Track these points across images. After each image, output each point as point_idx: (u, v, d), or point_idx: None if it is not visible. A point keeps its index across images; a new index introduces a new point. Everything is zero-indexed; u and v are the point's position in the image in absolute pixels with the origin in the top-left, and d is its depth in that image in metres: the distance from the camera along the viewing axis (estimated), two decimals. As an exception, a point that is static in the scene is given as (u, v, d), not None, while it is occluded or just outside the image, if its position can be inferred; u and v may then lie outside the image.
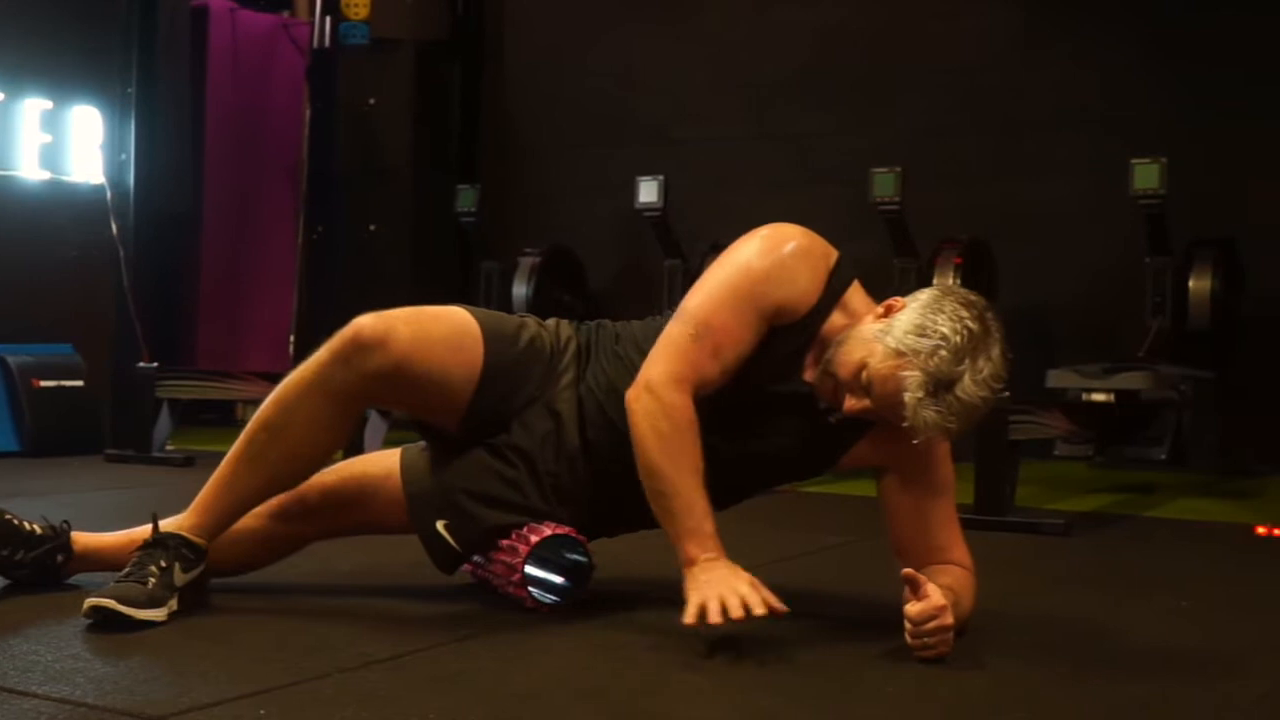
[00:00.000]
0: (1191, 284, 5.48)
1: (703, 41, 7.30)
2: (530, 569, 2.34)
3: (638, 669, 2.04)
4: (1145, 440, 5.17)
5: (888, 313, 2.24)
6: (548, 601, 2.37)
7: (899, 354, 2.15)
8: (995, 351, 2.15)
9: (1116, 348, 5.37)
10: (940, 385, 2.11)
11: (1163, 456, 5.11)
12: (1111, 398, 4.66)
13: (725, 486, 2.31)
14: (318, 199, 7.80)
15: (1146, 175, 5.37)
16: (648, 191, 6.35)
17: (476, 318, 2.41)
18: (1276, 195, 4.28)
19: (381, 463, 2.49)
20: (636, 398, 2.24)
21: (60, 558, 2.40)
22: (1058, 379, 5.14)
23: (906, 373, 2.13)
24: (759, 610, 2.03)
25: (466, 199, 7.03)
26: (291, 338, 7.79)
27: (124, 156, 6.16)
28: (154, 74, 6.39)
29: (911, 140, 6.55)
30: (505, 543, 2.38)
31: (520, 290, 6.63)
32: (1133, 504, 4.80)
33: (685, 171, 6.75)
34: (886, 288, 3.41)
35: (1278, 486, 4.10)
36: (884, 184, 5.80)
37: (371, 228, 7.46)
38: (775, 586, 2.08)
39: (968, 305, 2.17)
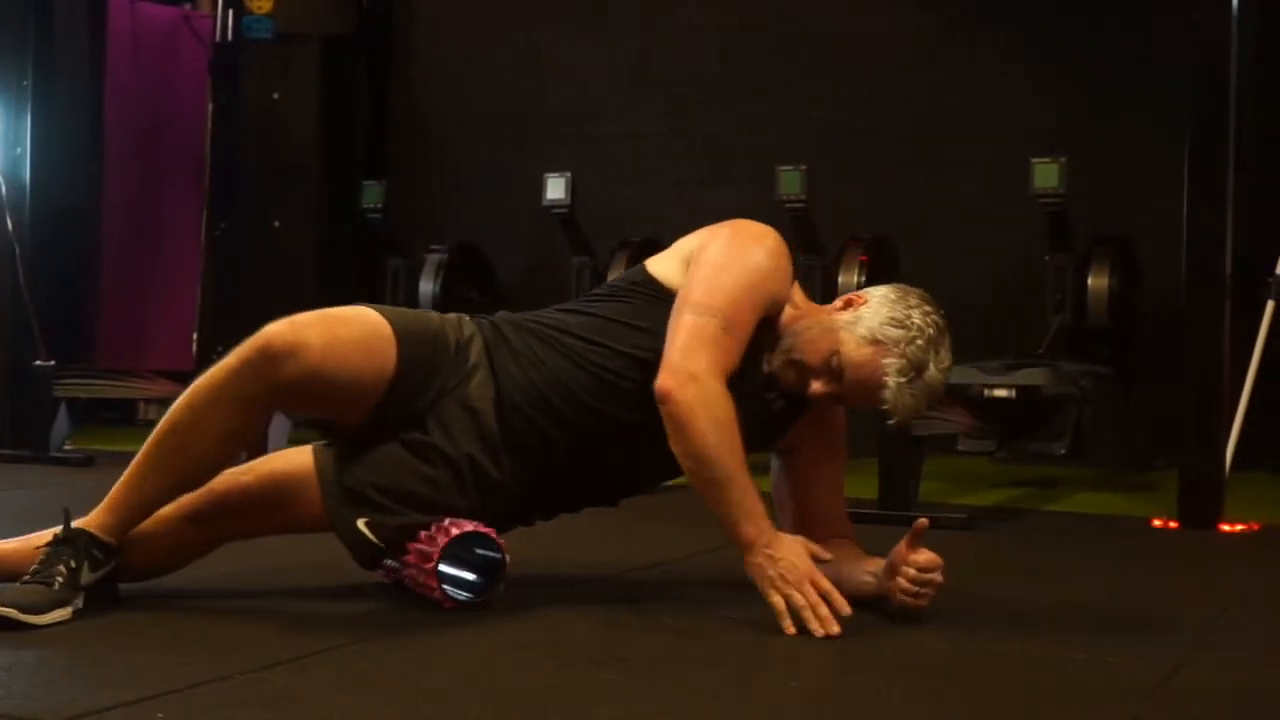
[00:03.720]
0: (1091, 281, 5.57)
1: (613, 38, 7.29)
2: (444, 567, 2.34)
3: (545, 667, 2.03)
4: (1046, 435, 5.24)
5: (847, 306, 2.46)
6: (461, 598, 2.36)
7: (875, 342, 2.38)
8: (948, 343, 2.45)
9: (1018, 344, 5.43)
10: (915, 371, 2.37)
11: (1063, 451, 5.18)
12: (1013, 394, 4.72)
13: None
14: (221, 195, 7.67)
15: (1046, 174, 5.44)
16: (555, 189, 6.32)
17: (386, 316, 2.42)
18: (1173, 194, 4.37)
19: (296, 461, 2.46)
20: (680, 387, 2.31)
21: None
22: (960, 375, 5.16)
23: (887, 359, 2.37)
24: (833, 624, 2.21)
25: (373, 195, 6.96)
26: (195, 335, 7.67)
27: (19, 150, 6.00)
28: (52, 67, 6.24)
29: (819, 139, 6.60)
30: (423, 534, 2.37)
31: (427, 287, 6.57)
32: (1034, 498, 4.89)
33: (594, 169, 6.74)
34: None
35: (1173, 480, 4.19)
36: (790, 182, 5.83)
37: (276, 224, 7.34)
38: (687, 582, 2.09)
39: (928, 301, 2.45)
